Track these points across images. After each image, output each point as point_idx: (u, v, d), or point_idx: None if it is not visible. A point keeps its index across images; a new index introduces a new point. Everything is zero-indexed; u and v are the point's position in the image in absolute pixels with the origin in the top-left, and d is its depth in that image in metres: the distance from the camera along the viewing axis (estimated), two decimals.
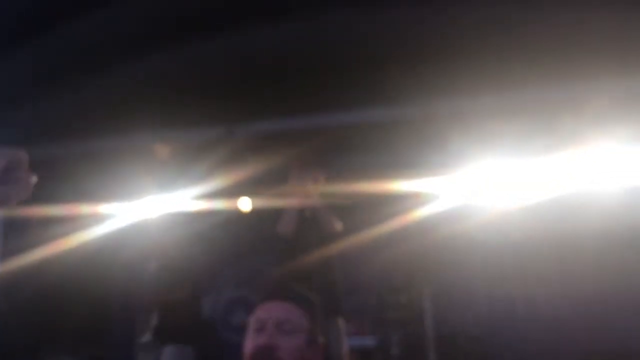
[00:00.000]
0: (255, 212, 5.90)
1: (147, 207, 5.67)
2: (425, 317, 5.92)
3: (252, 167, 5.00)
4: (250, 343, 1.66)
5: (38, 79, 4.11)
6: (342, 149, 5.19)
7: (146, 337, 4.88)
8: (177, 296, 4.88)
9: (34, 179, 1.09)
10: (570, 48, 3.36)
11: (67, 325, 5.96)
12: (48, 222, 5.26)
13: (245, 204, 5.97)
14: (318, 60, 4.22)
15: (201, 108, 4.66)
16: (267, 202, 5.54)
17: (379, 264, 5.56)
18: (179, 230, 5.74)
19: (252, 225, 5.89)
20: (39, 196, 4.99)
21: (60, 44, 3.86)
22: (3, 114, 4.46)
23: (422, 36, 3.75)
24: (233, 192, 5.52)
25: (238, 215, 5.96)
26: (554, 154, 4.35)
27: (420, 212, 5.13)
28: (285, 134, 4.81)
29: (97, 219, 5.54)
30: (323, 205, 4.15)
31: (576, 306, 5.47)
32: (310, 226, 4.05)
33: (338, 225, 4.12)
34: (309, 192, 4.03)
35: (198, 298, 5.24)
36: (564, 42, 3.34)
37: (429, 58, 3.88)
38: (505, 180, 4.95)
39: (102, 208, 5.51)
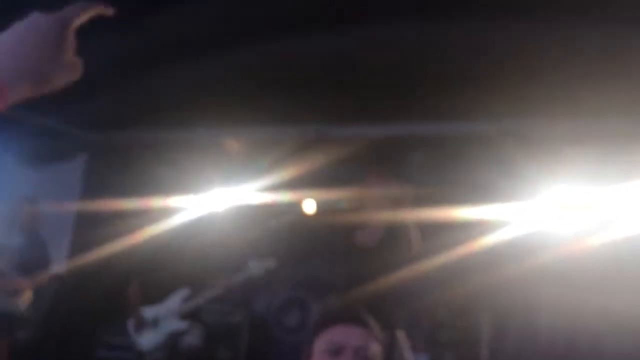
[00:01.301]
0: (317, 217, 5.92)
1: (215, 200, 5.77)
2: (481, 342, 5.76)
3: (319, 169, 5.00)
4: None
5: (115, 67, 4.24)
6: (413, 163, 5.14)
7: (173, 325, 4.86)
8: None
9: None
10: None
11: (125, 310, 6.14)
12: (118, 216, 5.41)
13: (309, 206, 5.99)
14: (394, 70, 4.18)
15: (273, 106, 4.71)
16: (335, 205, 5.55)
17: (440, 283, 5.44)
18: (244, 225, 5.81)
19: (318, 229, 5.89)
20: (110, 187, 5.18)
21: (142, 35, 3.98)
22: (79, 101, 4.64)
23: (506, 55, 3.66)
24: (299, 191, 5.56)
25: (303, 217, 5.99)
26: (629, 182, 4.13)
27: (489, 240, 5.01)
28: (352, 139, 4.80)
29: (166, 212, 5.68)
30: (411, 223, 4.04)
31: None
32: (392, 240, 3.95)
33: (420, 243, 4.02)
34: (397, 203, 3.93)
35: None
36: None
37: (509, 77, 3.78)
38: (578, 209, 4.75)
39: (172, 200, 5.64)
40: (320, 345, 1.66)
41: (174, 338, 4.73)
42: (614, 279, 5.25)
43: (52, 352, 5.15)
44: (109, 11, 1.05)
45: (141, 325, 4.83)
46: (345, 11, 3.49)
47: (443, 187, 4.88)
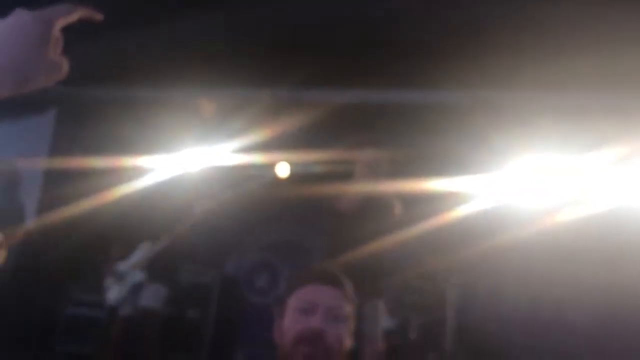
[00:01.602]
0: (290, 181, 5.92)
1: (188, 160, 5.73)
2: (448, 306, 5.87)
3: (294, 134, 4.99)
4: (296, 324, 1.63)
5: (86, 23, 4.16)
6: (386, 129, 5.14)
7: (135, 277, 4.89)
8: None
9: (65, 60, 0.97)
10: (622, 50, 3.22)
11: (92, 269, 6.11)
12: (88, 173, 5.36)
13: (283, 169, 5.99)
14: (369, 35, 4.17)
15: (247, 68, 4.67)
16: (312, 171, 5.56)
17: (412, 251, 5.51)
18: (216, 187, 5.79)
19: (291, 193, 5.90)
20: (80, 143, 5.12)
21: None
22: None
23: (477, 26, 3.66)
24: (273, 155, 5.55)
25: (276, 180, 5.98)
26: (596, 155, 4.20)
27: (461, 209, 5.07)
28: (325, 103, 4.78)
29: (138, 171, 5.63)
30: (392, 191, 4.05)
31: (604, 316, 5.35)
32: (372, 207, 3.96)
33: (398, 209, 4.04)
34: (377, 172, 3.93)
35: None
36: (615, 44, 3.21)
37: (480, 48, 3.79)
38: (544, 181, 4.83)
39: (143, 160, 5.59)
40: (293, 303, 1.67)
41: (136, 291, 4.77)
42: (578, 248, 5.38)
43: (20, 309, 5.13)
44: (97, 16, 1.03)
45: (113, 281, 4.86)
46: None
47: (413, 157, 4.91)
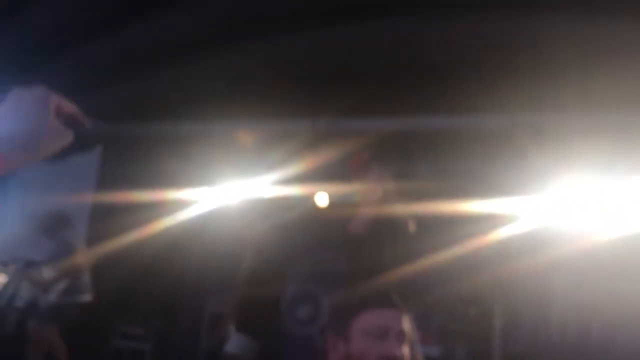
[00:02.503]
0: (329, 210, 5.94)
1: (228, 193, 5.82)
2: (493, 335, 5.76)
3: (330, 162, 5.03)
4: (373, 349, 1.65)
5: (132, 59, 4.29)
6: (425, 156, 5.15)
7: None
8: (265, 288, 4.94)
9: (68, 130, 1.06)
10: None
11: (140, 301, 6.21)
12: (133, 207, 5.48)
13: (322, 198, 6.02)
14: (404, 63, 4.20)
15: (285, 100, 4.73)
16: (342, 199, 5.57)
17: (452, 274, 5.45)
18: (256, 218, 5.84)
19: (323, 220, 5.92)
20: (124, 179, 5.25)
21: (156, 29, 4.03)
22: (94, 92, 4.69)
23: (516, 47, 3.66)
24: (311, 185, 5.59)
25: (312, 209, 6.01)
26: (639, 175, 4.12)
27: (502, 232, 5.02)
28: (364, 132, 4.80)
29: (179, 203, 5.74)
30: (399, 204, 4.06)
31: None
32: (383, 225, 3.98)
33: (412, 225, 4.04)
34: (385, 190, 3.95)
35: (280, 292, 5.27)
36: None
37: (519, 70, 3.78)
38: (588, 202, 4.75)
39: (184, 193, 5.70)
40: (363, 325, 1.69)
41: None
42: (625, 272, 5.24)
43: (71, 342, 5.23)
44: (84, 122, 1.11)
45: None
46: (355, 4, 3.51)
47: (456, 181, 4.89)
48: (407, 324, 1.72)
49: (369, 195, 3.93)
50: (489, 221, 5.01)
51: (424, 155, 5.20)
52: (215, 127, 5.49)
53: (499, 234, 5.07)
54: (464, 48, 3.83)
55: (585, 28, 3.17)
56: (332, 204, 5.98)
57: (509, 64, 3.76)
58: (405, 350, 1.68)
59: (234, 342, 4.87)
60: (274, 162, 5.39)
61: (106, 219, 5.43)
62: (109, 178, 5.77)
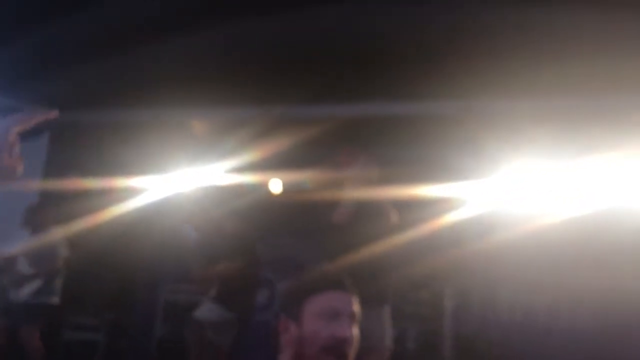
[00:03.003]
0: (290, 196, 5.95)
1: (181, 180, 5.76)
2: (444, 316, 5.90)
3: (285, 148, 5.04)
4: (323, 331, 1.67)
5: (80, 46, 4.20)
6: (378, 142, 5.21)
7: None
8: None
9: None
10: (610, 56, 3.30)
11: (92, 291, 6.13)
12: (83, 193, 5.39)
13: (276, 185, 6.03)
14: (358, 50, 4.23)
15: (239, 86, 4.71)
16: (300, 184, 5.59)
17: (404, 259, 5.54)
18: (211, 205, 5.81)
19: (284, 208, 5.93)
20: (74, 166, 5.13)
21: (105, 16, 3.95)
22: (44, 79, 4.58)
23: (466, 36, 3.73)
24: (265, 171, 5.59)
25: (270, 196, 6.01)
26: (587, 160, 4.28)
27: (451, 216, 5.12)
28: (318, 119, 4.83)
29: (131, 191, 5.66)
30: (386, 199, 4.07)
31: (600, 320, 5.39)
32: (367, 216, 3.99)
33: (395, 218, 4.06)
34: (370, 181, 3.95)
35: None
36: (603, 50, 3.29)
37: (470, 58, 3.86)
38: (536, 186, 4.90)
39: (137, 180, 5.62)
40: (314, 307, 1.70)
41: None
42: (570, 254, 5.43)
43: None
44: (52, 114, 1.10)
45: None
46: None
47: (407, 166, 4.97)
48: (356, 307, 1.73)
49: (354, 184, 3.92)
50: (440, 205, 5.11)
51: (375, 141, 5.26)
52: (168, 114, 5.46)
53: (449, 218, 5.17)
54: (416, 35, 3.88)
55: (533, 15, 3.25)
56: (286, 191, 6.00)
57: (459, 52, 3.83)
58: (355, 331, 1.70)
59: (207, 308, 4.80)
60: (227, 149, 5.37)
61: (54, 208, 5.32)
62: (57, 165, 5.65)
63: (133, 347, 6.37)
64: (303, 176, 5.53)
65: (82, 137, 5.55)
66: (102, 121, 5.35)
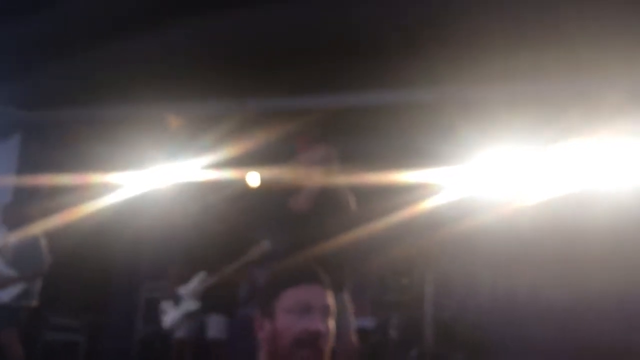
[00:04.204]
0: (264, 187, 5.94)
1: (157, 176, 5.71)
2: (425, 302, 5.94)
3: (261, 142, 5.03)
4: (295, 325, 1.64)
5: (50, 44, 4.14)
6: (352, 130, 5.22)
7: (190, 305, 4.96)
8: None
9: None
10: (584, 42, 3.35)
11: (70, 290, 6.05)
12: (58, 191, 5.32)
13: (253, 178, 6.01)
14: (333, 41, 4.23)
15: (213, 81, 4.69)
16: (278, 177, 5.57)
17: (382, 245, 5.58)
18: (188, 201, 5.77)
19: (260, 200, 5.91)
20: (49, 163, 5.04)
21: (76, 12, 3.89)
22: (15, 78, 4.50)
23: (438, 23, 3.75)
24: (242, 165, 5.57)
25: (248, 190, 5.99)
26: (563, 145, 4.35)
27: (429, 202, 5.16)
28: (295, 112, 4.83)
29: (107, 188, 5.60)
30: (340, 180, 4.08)
31: (578, 301, 5.48)
32: (326, 203, 4.00)
33: (353, 202, 4.08)
34: (328, 169, 3.96)
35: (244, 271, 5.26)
36: (577, 36, 3.34)
37: (444, 45, 3.89)
38: (513, 171, 4.96)
39: (112, 177, 5.56)
40: (285, 303, 1.67)
41: (189, 318, 4.85)
42: (548, 237, 5.52)
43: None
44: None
45: (171, 305, 4.93)
46: None
47: (385, 153, 4.99)
48: (330, 299, 1.70)
49: (311, 172, 3.91)
50: (418, 192, 5.14)
51: (352, 129, 5.27)
52: (143, 109, 5.40)
53: (427, 204, 5.21)
54: (392, 24, 3.89)
55: (507, 1, 3.29)
56: (264, 184, 5.98)
57: (435, 39, 3.85)
58: (330, 324, 1.67)
59: (217, 325, 4.85)
60: (204, 144, 5.34)
61: (29, 206, 5.24)
62: (31, 164, 5.56)
63: (113, 347, 6.31)
64: (279, 168, 5.52)
65: (55, 134, 5.47)
66: (76, 118, 5.29)
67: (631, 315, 5.33)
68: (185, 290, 4.90)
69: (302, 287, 1.70)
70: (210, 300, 4.81)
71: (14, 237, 5.08)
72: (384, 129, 5.10)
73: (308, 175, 3.88)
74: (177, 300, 4.91)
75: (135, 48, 4.33)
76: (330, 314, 1.68)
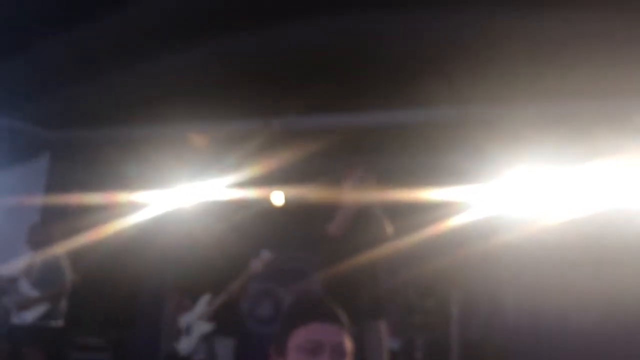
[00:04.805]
0: (286, 209, 5.94)
1: (182, 195, 5.75)
2: (451, 323, 5.88)
3: (286, 161, 5.03)
4: None
5: (77, 64, 4.20)
6: (377, 149, 5.21)
7: (204, 328, 5.01)
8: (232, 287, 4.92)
9: None
10: (610, 61, 3.32)
11: (95, 309, 6.08)
12: (85, 210, 5.37)
13: (278, 198, 6.01)
14: (358, 59, 4.24)
15: (238, 100, 4.72)
16: (302, 197, 5.58)
17: (408, 264, 5.53)
18: (212, 220, 5.79)
19: (287, 221, 5.90)
20: (76, 183, 5.10)
21: (103, 32, 3.94)
22: (45, 98, 4.58)
23: (467, 42, 3.74)
24: (267, 184, 5.58)
25: (272, 209, 6.00)
26: (589, 164, 4.28)
27: (454, 221, 5.11)
28: (320, 130, 4.83)
29: (133, 207, 5.64)
30: (377, 208, 4.05)
31: (606, 322, 5.38)
32: (362, 228, 3.99)
33: (390, 229, 4.04)
34: (365, 193, 3.93)
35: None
36: (604, 55, 3.31)
37: (470, 63, 3.87)
38: (539, 190, 4.90)
39: (138, 196, 5.60)
40: (297, 341, 1.63)
41: (206, 340, 4.87)
42: (575, 256, 5.43)
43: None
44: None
45: (178, 333, 4.95)
46: (312, 3, 3.52)
47: (411, 172, 4.96)
48: (344, 338, 1.64)
49: (351, 196, 3.89)
50: (443, 211, 5.10)
51: (378, 149, 5.25)
52: (169, 129, 5.44)
53: (453, 223, 5.16)
54: (417, 43, 3.88)
55: (534, 20, 3.26)
56: (289, 203, 5.98)
57: (461, 58, 3.84)
58: None
59: (225, 349, 4.87)
60: (229, 163, 5.36)
61: (57, 226, 5.29)
62: (58, 185, 5.63)
63: None
64: (305, 188, 5.51)
65: (82, 154, 5.53)
66: (103, 138, 5.36)
67: None
68: (194, 315, 4.93)
69: (314, 325, 1.65)
70: (218, 321, 4.84)
71: (38, 258, 5.12)
72: (409, 148, 5.08)
73: (346, 198, 3.84)
74: (187, 328, 4.93)
75: (160, 68, 4.38)
76: (344, 353, 1.65)
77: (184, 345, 4.93)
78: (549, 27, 3.26)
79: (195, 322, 4.92)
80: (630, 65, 3.46)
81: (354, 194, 3.83)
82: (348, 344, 1.65)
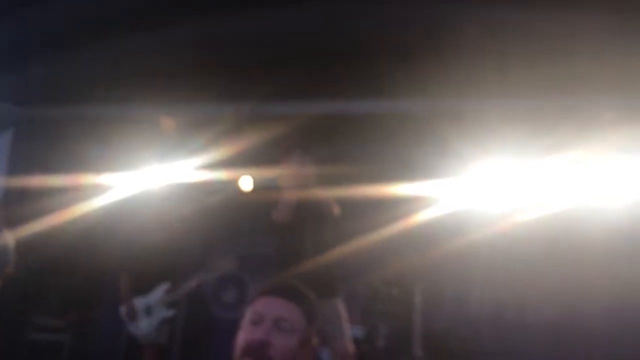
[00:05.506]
0: (254, 194, 5.93)
1: (148, 178, 5.69)
2: (415, 312, 5.92)
3: (254, 146, 5.02)
4: (244, 335, 1.64)
5: (45, 41, 4.11)
6: (344, 138, 5.22)
7: (165, 313, 5.14)
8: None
9: None
10: (577, 57, 3.36)
11: (57, 291, 6.01)
12: (48, 190, 5.30)
13: (246, 183, 6.00)
14: (328, 48, 4.22)
15: (208, 84, 4.67)
16: (267, 184, 5.56)
17: (374, 255, 5.56)
18: (179, 204, 5.75)
19: (250, 206, 5.90)
20: (40, 162, 5.01)
21: (71, 9, 3.87)
22: (9, 73, 4.47)
23: (433, 36, 3.75)
24: (235, 168, 5.56)
25: (237, 194, 5.98)
26: (555, 159, 4.34)
27: (420, 213, 5.15)
28: (287, 117, 4.81)
29: (97, 188, 5.57)
30: (321, 189, 4.06)
31: (568, 314, 5.48)
32: (307, 211, 3.99)
33: (336, 209, 4.05)
34: (306, 176, 3.93)
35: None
36: (571, 51, 3.34)
37: (439, 57, 3.88)
38: (504, 184, 4.95)
39: (103, 178, 5.54)
40: (247, 315, 1.69)
41: (165, 323, 5.14)
42: (538, 250, 5.52)
43: None
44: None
45: (135, 313, 5.08)
46: None
47: (377, 164, 4.98)
48: (291, 313, 1.67)
49: (289, 182, 3.89)
50: (410, 203, 5.14)
51: (344, 138, 5.26)
52: (137, 110, 5.37)
53: (419, 216, 5.21)
54: (386, 34, 3.89)
55: (503, 16, 3.28)
56: (257, 188, 5.97)
57: (430, 51, 3.85)
58: (284, 338, 1.63)
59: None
60: (197, 146, 5.32)
61: (18, 205, 5.21)
62: (21, 163, 5.52)
63: (100, 348, 6.26)
64: (272, 173, 5.49)
65: (46, 133, 5.44)
66: (66, 117, 5.26)
67: (620, 332, 5.32)
68: (152, 299, 5.07)
69: (262, 299, 1.70)
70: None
71: None
72: (376, 138, 5.09)
73: (287, 185, 3.85)
74: (147, 309, 5.08)
75: (130, 48, 4.31)
76: (287, 327, 1.65)
77: (144, 325, 5.04)
78: (517, 23, 3.29)
79: (156, 304, 4.99)
80: (596, 61, 3.51)
81: (292, 179, 3.84)
82: (294, 320, 1.67)
